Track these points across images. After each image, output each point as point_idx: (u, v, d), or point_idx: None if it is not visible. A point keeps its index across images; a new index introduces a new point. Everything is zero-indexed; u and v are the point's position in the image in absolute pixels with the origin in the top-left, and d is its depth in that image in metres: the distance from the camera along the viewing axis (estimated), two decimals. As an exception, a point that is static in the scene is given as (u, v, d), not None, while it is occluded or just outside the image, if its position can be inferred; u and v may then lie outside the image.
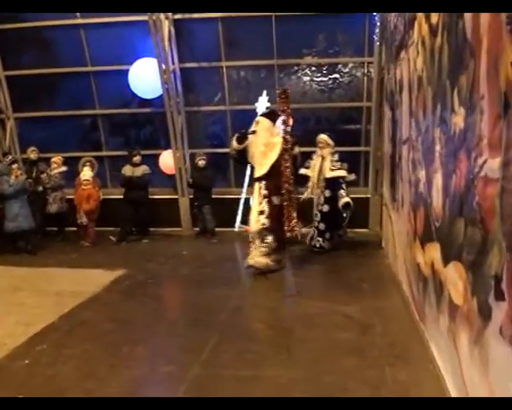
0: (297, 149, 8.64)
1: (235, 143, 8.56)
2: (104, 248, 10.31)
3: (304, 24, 10.70)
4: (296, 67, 11.47)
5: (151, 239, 10.91)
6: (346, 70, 11.36)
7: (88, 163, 10.91)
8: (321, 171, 9.40)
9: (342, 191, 9.01)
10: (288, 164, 8.04)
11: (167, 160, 11.57)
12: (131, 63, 11.06)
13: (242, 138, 8.46)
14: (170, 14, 10.95)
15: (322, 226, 9.41)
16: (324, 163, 9.25)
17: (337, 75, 11.39)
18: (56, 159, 11.01)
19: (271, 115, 8.49)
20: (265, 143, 8.24)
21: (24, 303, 6.65)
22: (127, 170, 10.83)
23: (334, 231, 9.47)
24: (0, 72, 11.95)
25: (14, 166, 9.90)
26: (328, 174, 9.13)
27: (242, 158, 8.63)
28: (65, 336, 5.66)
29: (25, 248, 9.77)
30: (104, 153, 12.44)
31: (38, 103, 12.19)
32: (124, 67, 11.24)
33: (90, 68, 11.75)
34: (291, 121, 8.40)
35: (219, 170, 11.96)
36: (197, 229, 11.36)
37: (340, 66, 11.34)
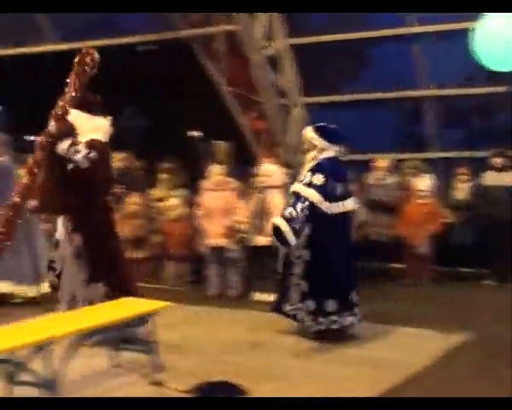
0: None
1: None
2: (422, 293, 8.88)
3: None
4: None
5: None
6: None
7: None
8: None
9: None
10: None
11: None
12: (476, 20, 9.08)
13: None
14: None
15: None
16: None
17: None
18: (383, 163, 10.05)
19: None
20: None
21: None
22: (488, 178, 9.83)
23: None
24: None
25: None
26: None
27: None
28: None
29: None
30: (433, 154, 11.11)
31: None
32: (464, 25, 9.55)
33: (411, 29, 10.41)
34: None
35: None
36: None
37: None
